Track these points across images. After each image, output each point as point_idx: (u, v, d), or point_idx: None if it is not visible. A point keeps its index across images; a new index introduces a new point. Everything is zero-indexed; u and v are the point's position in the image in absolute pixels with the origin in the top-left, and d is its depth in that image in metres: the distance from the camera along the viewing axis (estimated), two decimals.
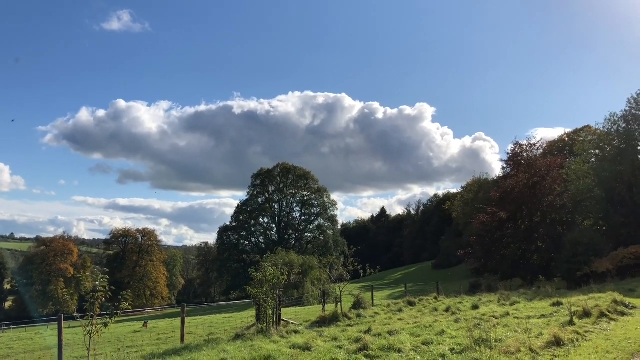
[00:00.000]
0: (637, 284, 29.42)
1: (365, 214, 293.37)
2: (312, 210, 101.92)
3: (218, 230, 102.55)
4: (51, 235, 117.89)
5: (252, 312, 28.54)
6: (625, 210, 45.19)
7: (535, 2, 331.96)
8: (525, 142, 51.52)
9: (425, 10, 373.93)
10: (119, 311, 12.98)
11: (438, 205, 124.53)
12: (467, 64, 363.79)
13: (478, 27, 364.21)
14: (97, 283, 12.72)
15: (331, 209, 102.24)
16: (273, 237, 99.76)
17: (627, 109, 47.37)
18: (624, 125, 47.25)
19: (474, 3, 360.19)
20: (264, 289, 17.87)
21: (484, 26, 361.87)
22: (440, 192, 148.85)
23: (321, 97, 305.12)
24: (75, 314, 72.02)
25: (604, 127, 49.71)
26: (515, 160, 50.89)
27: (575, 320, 14.81)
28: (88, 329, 12.41)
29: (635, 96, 47.19)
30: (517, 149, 51.31)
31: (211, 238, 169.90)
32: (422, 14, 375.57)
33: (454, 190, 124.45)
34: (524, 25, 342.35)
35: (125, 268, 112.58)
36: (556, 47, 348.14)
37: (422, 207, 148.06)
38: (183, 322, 17.84)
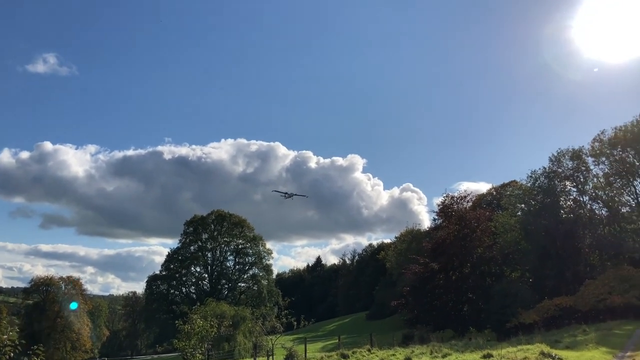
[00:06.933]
0: (562, 335, 30.33)
1: (299, 263, 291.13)
2: (247, 259, 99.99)
3: (147, 279, 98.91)
4: None
5: None
6: (550, 262, 47.10)
7: (458, 57, 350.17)
8: (456, 195, 53.06)
9: (355, 63, 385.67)
10: None
11: (372, 255, 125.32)
12: (396, 116, 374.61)
13: (406, 82, 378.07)
14: (5, 337, 11.72)
15: (266, 257, 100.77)
16: (205, 287, 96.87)
17: (549, 165, 50.39)
18: (546, 182, 49.95)
19: (402, 57, 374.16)
20: (192, 342, 17.14)
21: (411, 81, 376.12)
22: (375, 242, 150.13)
23: (254, 145, 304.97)
24: None
25: (527, 183, 52.42)
26: (446, 212, 52.13)
27: None
28: None
29: (556, 154, 50.43)
30: (447, 201, 52.61)
31: (139, 287, 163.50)
32: (353, 67, 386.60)
33: (388, 240, 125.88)
34: (449, 80, 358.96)
35: (45, 319, 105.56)
36: (480, 103, 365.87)
37: (357, 256, 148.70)
38: None
